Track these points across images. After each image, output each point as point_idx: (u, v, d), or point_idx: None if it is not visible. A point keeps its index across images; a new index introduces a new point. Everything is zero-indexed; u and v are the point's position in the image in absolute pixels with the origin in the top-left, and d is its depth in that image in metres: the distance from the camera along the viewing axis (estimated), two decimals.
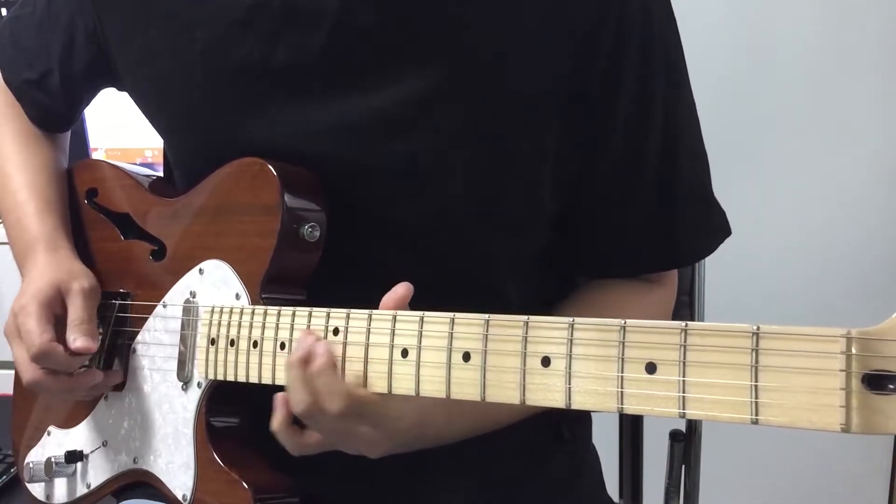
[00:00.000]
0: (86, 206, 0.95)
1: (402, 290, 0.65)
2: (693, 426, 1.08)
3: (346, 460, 0.81)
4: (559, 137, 0.76)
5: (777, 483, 1.81)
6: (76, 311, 0.83)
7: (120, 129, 1.70)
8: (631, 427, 1.13)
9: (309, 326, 0.69)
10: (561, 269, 0.86)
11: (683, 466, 1.07)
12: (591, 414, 0.97)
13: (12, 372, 1.72)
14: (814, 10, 1.60)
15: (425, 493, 0.83)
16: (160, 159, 1.76)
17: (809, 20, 1.60)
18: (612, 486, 0.98)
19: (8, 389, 1.66)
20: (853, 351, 0.43)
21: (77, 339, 0.81)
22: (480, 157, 0.75)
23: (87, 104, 0.98)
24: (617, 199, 0.79)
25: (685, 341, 0.48)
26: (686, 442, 1.07)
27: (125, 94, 0.97)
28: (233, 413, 0.79)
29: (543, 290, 0.85)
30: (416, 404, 0.68)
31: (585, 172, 0.78)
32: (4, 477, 1.32)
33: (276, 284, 0.76)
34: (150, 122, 0.88)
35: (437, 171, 0.75)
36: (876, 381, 0.42)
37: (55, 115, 0.97)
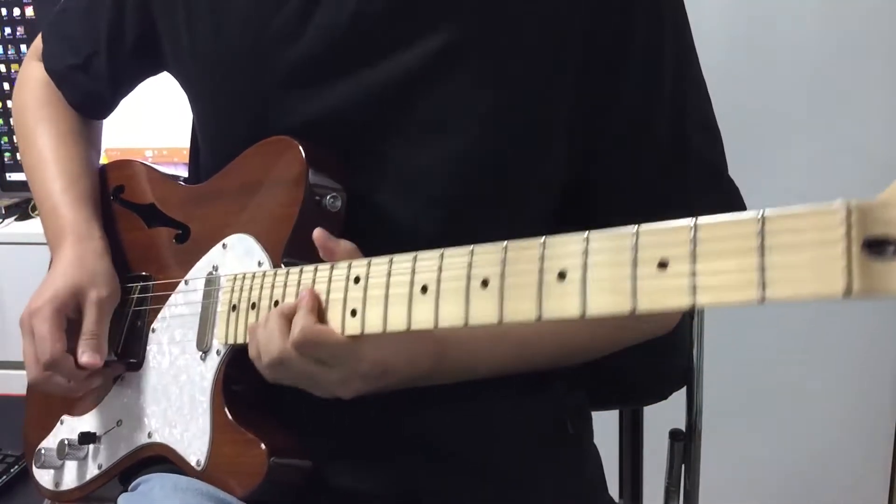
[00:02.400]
0: (112, 202, 0.99)
1: (315, 234, 0.72)
2: (693, 425, 1.07)
3: (357, 449, 0.82)
4: (573, 97, 0.79)
5: (777, 483, 1.79)
6: (89, 324, 0.87)
7: (120, 129, 1.74)
8: (631, 427, 1.13)
9: (331, 279, 0.72)
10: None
11: (683, 466, 1.07)
12: (591, 412, 0.98)
13: (12, 372, 1.73)
14: (813, 7, 1.63)
15: (429, 486, 0.84)
16: (160, 159, 1.80)
17: (809, 17, 1.64)
18: (612, 486, 0.98)
19: (8, 389, 1.65)
20: (853, 220, 0.45)
21: (84, 354, 0.85)
22: (498, 111, 0.78)
23: (131, 89, 1.01)
24: (624, 164, 0.81)
25: (695, 235, 0.51)
26: (686, 441, 1.06)
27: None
28: (248, 379, 0.80)
29: None
30: (378, 346, 0.71)
31: (595, 137, 0.80)
32: (5, 477, 1.31)
33: (298, 253, 0.79)
34: (192, 99, 0.91)
35: (455, 123, 0.78)
36: (876, 246, 0.45)
37: (97, 99, 1.01)
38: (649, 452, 1.14)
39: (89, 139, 1.02)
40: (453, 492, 0.84)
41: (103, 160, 1.06)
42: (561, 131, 0.80)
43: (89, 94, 1.00)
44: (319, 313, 0.71)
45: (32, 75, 1.03)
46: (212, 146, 0.90)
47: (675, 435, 1.07)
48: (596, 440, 0.95)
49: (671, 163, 0.81)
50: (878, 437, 1.77)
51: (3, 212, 1.93)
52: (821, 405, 1.77)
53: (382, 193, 0.80)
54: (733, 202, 0.83)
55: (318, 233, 0.72)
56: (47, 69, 1.01)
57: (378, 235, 0.74)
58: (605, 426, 1.02)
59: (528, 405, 0.87)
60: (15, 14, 1.91)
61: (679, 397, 1.07)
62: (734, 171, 0.85)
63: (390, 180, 0.80)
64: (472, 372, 0.80)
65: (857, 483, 1.78)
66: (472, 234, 0.63)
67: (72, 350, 0.86)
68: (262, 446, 0.75)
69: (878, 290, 0.45)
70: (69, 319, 0.87)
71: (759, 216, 0.49)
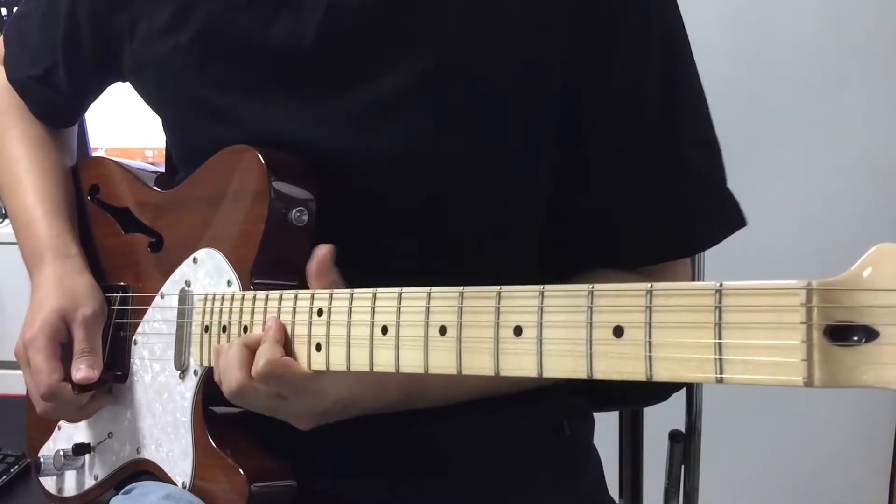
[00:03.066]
0: (88, 202, 0.97)
1: (321, 250, 0.67)
2: (693, 426, 1.06)
3: (340, 456, 0.81)
4: (558, 111, 0.75)
5: (777, 483, 1.79)
6: (80, 342, 0.86)
7: (120, 129, 1.71)
8: (631, 427, 1.12)
9: (295, 309, 0.69)
10: (561, 258, 0.84)
11: (683, 466, 1.06)
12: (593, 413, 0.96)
13: (12, 372, 1.77)
14: (812, 11, 1.58)
15: (423, 489, 0.82)
16: (160, 159, 1.77)
17: (808, 21, 1.59)
18: (612, 486, 0.97)
19: (8, 389, 1.68)
20: (814, 303, 0.41)
21: (79, 371, 0.85)
22: (477, 137, 0.75)
23: (96, 97, 0.97)
24: (608, 183, 0.77)
25: (650, 303, 0.47)
26: (686, 442, 1.05)
27: (125, 94, 0.97)
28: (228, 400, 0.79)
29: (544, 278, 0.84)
30: (343, 382, 0.69)
31: (578, 156, 0.76)
32: (4, 477, 1.34)
33: (267, 270, 0.76)
34: (154, 110, 0.88)
35: (433, 153, 0.74)
36: (839, 333, 0.41)
37: (60, 110, 0.98)
38: (649, 453, 1.12)
39: (61, 144, 0.99)
40: (452, 496, 0.83)
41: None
42: (546, 151, 0.76)
43: (52, 106, 0.97)
44: (285, 345, 0.69)
45: None
46: (181, 157, 0.87)
47: (674, 436, 1.05)
48: (596, 440, 0.93)
49: (664, 178, 0.77)
50: (878, 437, 1.74)
51: (3, 212, 1.92)
52: (821, 405, 1.74)
53: (357, 219, 0.77)
54: (730, 216, 0.79)
55: (323, 251, 0.68)
56: (9, 78, 0.98)
57: (356, 263, 0.71)
58: (605, 426, 1.00)
59: (527, 409, 0.85)
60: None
61: (679, 397, 1.05)
62: (734, 177, 0.80)
63: (364, 211, 0.77)
64: (447, 398, 0.78)
65: (857, 483, 1.76)
66: (456, 259, 0.60)
67: (68, 377, 0.85)
68: (241, 472, 0.74)
69: (841, 380, 0.41)
70: (62, 345, 0.86)
71: (716, 289, 0.45)
